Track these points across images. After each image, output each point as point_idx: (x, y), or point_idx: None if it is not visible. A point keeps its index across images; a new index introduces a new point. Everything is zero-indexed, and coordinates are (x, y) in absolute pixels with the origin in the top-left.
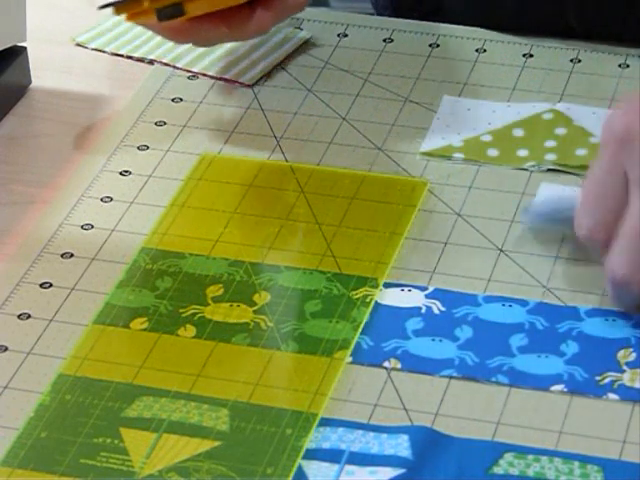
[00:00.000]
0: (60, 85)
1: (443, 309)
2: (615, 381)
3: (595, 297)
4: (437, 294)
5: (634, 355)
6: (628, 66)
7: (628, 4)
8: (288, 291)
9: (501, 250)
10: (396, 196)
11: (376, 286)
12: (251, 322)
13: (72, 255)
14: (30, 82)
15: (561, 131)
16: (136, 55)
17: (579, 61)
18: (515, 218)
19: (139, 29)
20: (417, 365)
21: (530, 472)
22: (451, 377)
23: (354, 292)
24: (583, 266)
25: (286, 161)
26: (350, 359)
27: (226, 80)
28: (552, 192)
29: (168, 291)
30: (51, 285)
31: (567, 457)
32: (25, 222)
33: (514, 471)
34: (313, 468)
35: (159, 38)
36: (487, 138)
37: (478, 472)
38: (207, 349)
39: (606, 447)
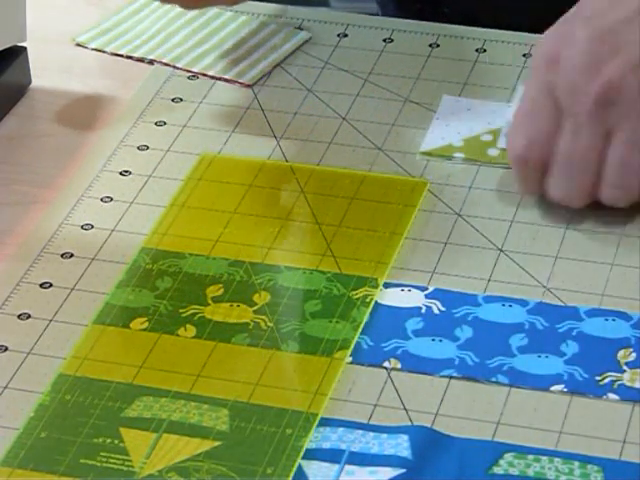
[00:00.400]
0: (60, 85)
1: (443, 309)
2: (615, 381)
3: (595, 297)
4: (437, 294)
5: (634, 355)
6: None
7: None
8: (288, 291)
9: (501, 250)
10: (396, 196)
11: (376, 286)
12: (251, 322)
13: (72, 255)
14: (30, 82)
15: None
16: (136, 55)
17: None
18: (515, 218)
19: (139, 29)
20: (417, 365)
21: (530, 472)
22: (451, 377)
23: (354, 292)
24: (583, 266)
25: (286, 161)
26: (350, 359)
27: (226, 80)
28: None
29: (168, 291)
30: (51, 285)
31: (567, 457)
32: (25, 222)
33: (514, 471)
34: (313, 468)
35: (159, 38)
36: (487, 138)
37: (478, 472)
38: (207, 349)
39: (606, 447)
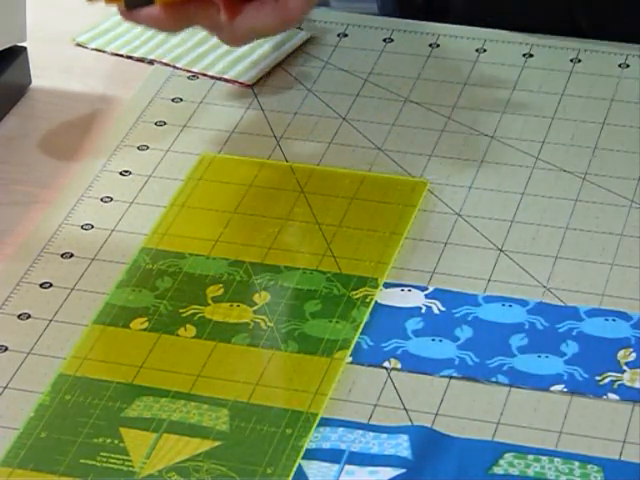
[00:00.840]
0: (60, 85)
1: (443, 309)
2: (615, 381)
3: (595, 297)
4: (437, 294)
5: (634, 355)
6: (628, 66)
7: (630, 3)
8: (288, 291)
9: (501, 250)
10: (396, 196)
11: (376, 286)
12: (251, 322)
13: (72, 255)
14: (30, 82)
15: None
16: (136, 55)
17: (579, 61)
18: (515, 218)
19: (139, 29)
20: (417, 365)
21: (530, 472)
22: (451, 377)
23: (354, 292)
24: (583, 266)
25: (286, 161)
26: (350, 359)
27: (226, 80)
28: None
29: (168, 291)
30: (51, 285)
31: (567, 457)
32: (25, 222)
33: (514, 471)
34: (313, 468)
35: (159, 38)
36: None
37: (478, 472)
38: (207, 349)
39: (606, 447)
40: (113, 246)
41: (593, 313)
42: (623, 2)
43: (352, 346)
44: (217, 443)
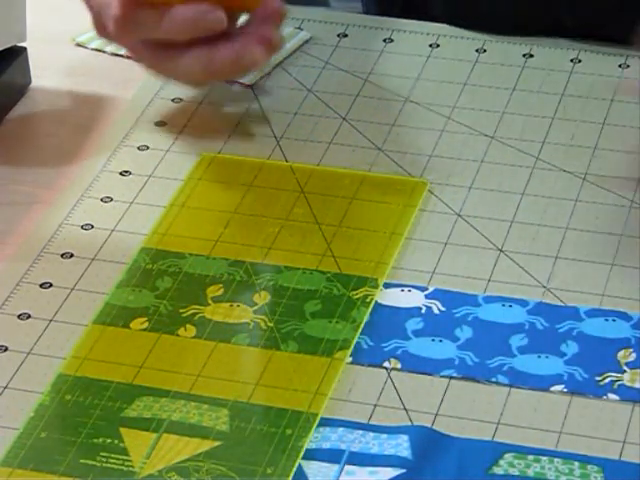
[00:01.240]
0: (60, 85)
1: (443, 309)
2: (615, 381)
3: (595, 297)
4: (437, 294)
5: (634, 355)
6: (628, 66)
7: (620, 5)
8: (288, 291)
9: (501, 250)
10: (396, 196)
11: (376, 286)
12: (251, 322)
13: (72, 255)
14: (30, 82)
15: None
16: None
17: (579, 61)
18: (515, 218)
19: None
20: (417, 365)
21: (530, 472)
22: (451, 377)
23: (354, 292)
24: (583, 266)
25: (286, 161)
26: (350, 359)
27: (226, 80)
28: None
29: (168, 291)
30: (51, 285)
31: (567, 457)
32: (25, 222)
33: (514, 471)
34: (313, 468)
35: None
36: None
37: (478, 472)
38: (207, 349)
39: (606, 447)
40: (113, 246)
41: (593, 313)
42: (608, 4)
43: (352, 346)
44: (217, 443)
